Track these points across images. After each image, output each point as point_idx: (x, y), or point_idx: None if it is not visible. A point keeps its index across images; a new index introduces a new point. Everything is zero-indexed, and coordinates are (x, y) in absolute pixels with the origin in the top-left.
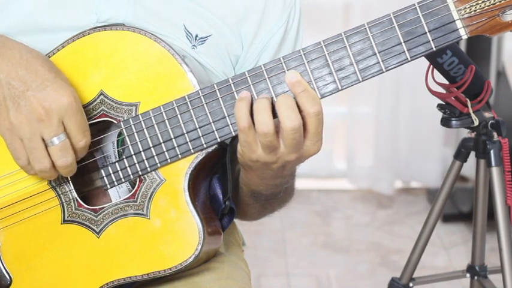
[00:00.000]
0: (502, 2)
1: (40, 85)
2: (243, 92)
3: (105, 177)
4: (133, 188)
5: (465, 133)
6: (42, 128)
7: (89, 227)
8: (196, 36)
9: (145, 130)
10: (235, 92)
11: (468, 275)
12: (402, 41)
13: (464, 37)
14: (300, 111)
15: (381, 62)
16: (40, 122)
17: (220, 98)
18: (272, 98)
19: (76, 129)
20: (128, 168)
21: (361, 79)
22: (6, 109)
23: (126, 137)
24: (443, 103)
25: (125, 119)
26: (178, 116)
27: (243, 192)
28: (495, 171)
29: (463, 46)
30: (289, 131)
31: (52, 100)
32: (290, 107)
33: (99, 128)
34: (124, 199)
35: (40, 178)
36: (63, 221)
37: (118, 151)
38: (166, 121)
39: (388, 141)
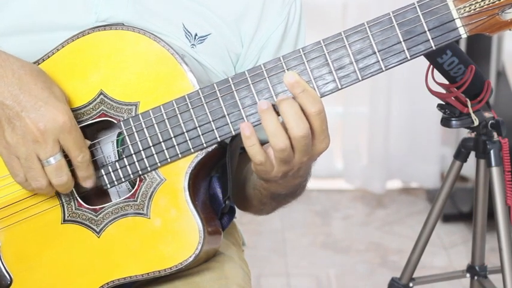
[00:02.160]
0: (502, 0)
1: (34, 105)
2: (245, 127)
3: (105, 177)
4: (133, 188)
5: (465, 133)
6: (37, 148)
7: (89, 226)
8: (196, 35)
9: (145, 130)
10: (235, 92)
11: (468, 275)
12: (402, 39)
13: (464, 36)
14: (302, 111)
15: (381, 61)
16: (35, 143)
17: (220, 98)
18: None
19: (72, 147)
20: (128, 168)
21: (360, 78)
22: (1, 129)
23: (126, 137)
24: (443, 103)
25: (125, 118)
26: (178, 115)
27: (261, 195)
28: (495, 171)
29: (463, 46)
30: (300, 139)
31: (46, 121)
32: (297, 114)
33: (98, 128)
34: (124, 199)
35: None
36: (63, 221)
37: (118, 151)
38: (166, 121)
39: (383, 141)
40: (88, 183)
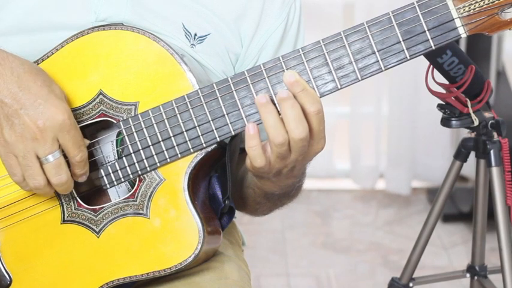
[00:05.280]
0: (501, 0)
1: (33, 103)
2: (250, 126)
3: (104, 177)
4: (132, 188)
5: (465, 133)
6: (36, 146)
7: (89, 226)
8: (195, 35)
9: (144, 130)
10: (234, 91)
11: (468, 275)
12: (401, 39)
13: (463, 36)
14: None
15: (380, 61)
16: (34, 141)
17: (219, 97)
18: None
19: (71, 146)
20: (127, 168)
21: (360, 78)
22: (0, 127)
23: (126, 137)
24: (443, 103)
25: (124, 118)
26: (178, 115)
27: (255, 194)
28: (495, 171)
29: (463, 46)
30: (299, 141)
31: (46, 118)
32: (298, 116)
33: (98, 128)
34: (123, 199)
35: None
36: (63, 221)
37: (117, 151)
38: (166, 120)
39: (397, 141)
40: (82, 179)
